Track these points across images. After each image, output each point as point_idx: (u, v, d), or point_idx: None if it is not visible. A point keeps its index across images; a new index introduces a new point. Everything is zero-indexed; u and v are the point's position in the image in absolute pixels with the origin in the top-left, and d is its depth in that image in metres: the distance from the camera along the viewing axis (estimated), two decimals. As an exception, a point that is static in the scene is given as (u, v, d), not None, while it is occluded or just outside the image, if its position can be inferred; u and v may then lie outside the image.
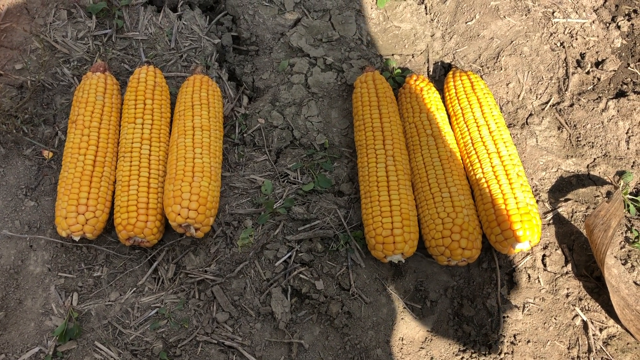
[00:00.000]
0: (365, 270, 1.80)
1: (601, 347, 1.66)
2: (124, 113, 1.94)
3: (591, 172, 1.96)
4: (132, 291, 1.76)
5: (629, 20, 2.21)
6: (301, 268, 1.78)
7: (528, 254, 1.82)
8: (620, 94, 2.08)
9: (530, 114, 2.08)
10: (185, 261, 1.81)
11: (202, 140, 1.84)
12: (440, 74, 2.24)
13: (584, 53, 2.16)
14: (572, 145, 2.01)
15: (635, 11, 2.22)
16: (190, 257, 1.81)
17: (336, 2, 2.31)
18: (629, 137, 1.98)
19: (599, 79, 2.12)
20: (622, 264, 1.76)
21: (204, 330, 1.70)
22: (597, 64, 2.15)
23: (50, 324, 1.70)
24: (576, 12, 2.23)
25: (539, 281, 1.77)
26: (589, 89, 2.11)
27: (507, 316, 1.72)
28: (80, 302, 1.74)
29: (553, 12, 2.23)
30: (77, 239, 1.75)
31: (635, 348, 1.65)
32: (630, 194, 1.89)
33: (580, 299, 1.73)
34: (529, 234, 1.69)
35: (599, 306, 1.71)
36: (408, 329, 1.75)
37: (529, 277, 1.78)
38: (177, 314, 1.72)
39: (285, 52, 2.24)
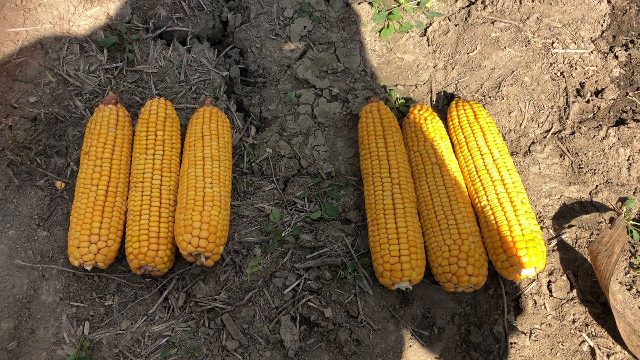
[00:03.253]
0: (373, 298, 1.82)
1: (609, 373, 1.67)
2: (136, 144, 1.99)
3: (594, 199, 1.99)
4: (142, 320, 1.78)
5: (626, 50, 2.27)
6: (310, 296, 1.80)
7: (534, 280, 1.84)
8: (620, 122, 2.12)
9: (533, 142, 2.13)
10: (195, 289, 1.83)
11: (212, 170, 1.88)
12: (443, 104, 2.30)
13: (584, 82, 2.22)
14: (575, 172, 2.05)
15: (632, 41, 2.28)
16: (200, 286, 1.84)
17: (341, 35, 2.38)
18: (630, 164, 2.02)
19: (599, 108, 2.17)
20: (627, 290, 1.78)
21: (214, 358, 1.71)
22: (597, 92, 2.20)
23: (62, 353, 1.72)
24: (575, 43, 2.29)
25: (545, 307, 1.79)
26: (589, 117, 2.16)
27: (515, 342, 1.74)
28: (92, 331, 1.76)
29: (552, 43, 2.29)
30: (89, 268, 1.77)
31: (643, 374, 1.66)
32: (633, 220, 1.92)
33: (587, 325, 1.74)
34: (534, 260, 1.72)
35: (606, 332, 1.73)
36: (416, 356, 1.76)
37: (535, 303, 1.80)
38: (188, 342, 1.73)
39: (292, 84, 2.30)
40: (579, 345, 1.72)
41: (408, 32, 2.41)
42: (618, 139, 2.06)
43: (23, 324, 1.77)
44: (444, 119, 2.18)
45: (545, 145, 2.11)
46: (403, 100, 2.27)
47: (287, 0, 2.42)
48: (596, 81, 2.22)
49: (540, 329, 1.75)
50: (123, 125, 2.02)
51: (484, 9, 2.39)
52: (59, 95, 2.15)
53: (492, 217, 1.83)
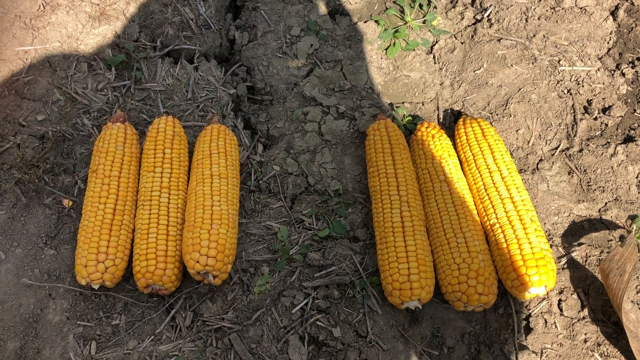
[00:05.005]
0: (382, 317, 1.81)
1: (622, 394, 1.65)
2: (144, 162, 1.99)
3: (603, 217, 1.98)
4: (150, 339, 1.77)
5: (632, 67, 2.27)
6: (318, 315, 1.78)
7: (544, 298, 1.82)
8: (628, 139, 2.12)
9: (541, 160, 2.12)
10: (203, 309, 1.82)
11: (220, 188, 1.88)
12: (451, 121, 2.30)
13: (591, 100, 2.22)
14: (583, 190, 2.04)
15: (638, 59, 2.29)
16: (207, 305, 1.82)
17: (347, 52, 2.39)
18: (639, 181, 2.01)
19: (606, 125, 2.17)
20: (640, 309, 1.76)
21: (222, 378, 1.69)
22: (604, 110, 2.20)
23: (68, 374, 1.71)
24: (581, 60, 2.29)
25: (555, 326, 1.77)
26: (597, 134, 2.16)
27: (526, 362, 1.72)
28: (99, 350, 1.74)
29: (559, 61, 2.29)
30: (96, 287, 1.76)
31: (657, 394, 1.64)
32: (644, 238, 1.91)
33: (599, 344, 1.72)
34: (545, 278, 1.70)
35: (618, 352, 1.70)
36: (426, 376, 1.74)
37: (546, 322, 1.78)
38: (195, 362, 1.72)
39: (299, 101, 2.30)
40: (592, 365, 1.70)
41: (414, 50, 2.42)
42: (626, 156, 2.05)
43: (29, 344, 1.75)
44: (452, 137, 2.17)
45: (553, 162, 2.10)
46: (410, 118, 2.27)
47: (294, 18, 2.44)
48: (603, 98, 2.22)
49: (552, 349, 1.73)
50: (131, 143, 2.03)
51: (490, 26, 2.40)
52: (67, 113, 2.15)
53: (501, 236, 1.82)
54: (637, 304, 1.77)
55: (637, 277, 1.82)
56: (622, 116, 2.18)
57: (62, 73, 2.25)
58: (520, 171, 2.10)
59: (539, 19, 2.38)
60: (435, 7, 2.48)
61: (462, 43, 2.42)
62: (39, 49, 2.27)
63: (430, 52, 2.44)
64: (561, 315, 1.79)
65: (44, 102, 2.18)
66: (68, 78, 2.24)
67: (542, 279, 1.70)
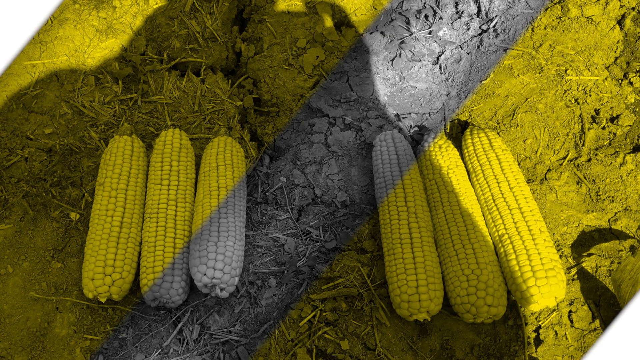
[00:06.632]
0: (390, 329, 1.79)
1: (636, 407, 1.62)
2: (150, 175, 1.99)
3: (613, 227, 1.96)
4: (157, 353, 1.76)
5: (640, 76, 2.26)
6: (326, 328, 1.77)
7: (554, 310, 1.80)
8: (637, 149, 2.10)
9: (549, 170, 2.11)
10: (210, 322, 1.81)
11: (227, 200, 1.88)
12: (457, 132, 2.29)
13: (599, 109, 2.21)
14: (592, 199, 2.02)
15: (646, 67, 2.28)
16: (214, 318, 1.81)
17: (353, 64, 2.39)
18: (649, 191, 1.99)
19: (615, 134, 2.15)
20: (652, 320, 1.73)
21: (230, 392, 1.68)
22: (612, 119, 2.19)
23: (75, 388, 1.70)
24: (588, 70, 2.28)
25: (566, 338, 1.75)
26: (605, 144, 2.14)
27: (537, 375, 1.70)
28: (106, 364, 1.74)
29: (566, 70, 2.28)
30: (103, 300, 1.76)
31: (671, 408, 1.61)
32: (654, 248, 1.89)
33: (611, 357, 1.70)
34: (555, 290, 1.68)
35: (631, 364, 1.68)
36: (436, 390, 1.72)
37: (556, 334, 1.76)
38: (202, 376, 1.71)
39: (305, 113, 2.30)
40: (604, 378, 1.67)
41: (420, 60, 2.41)
42: (636, 165, 2.04)
43: (36, 358, 1.75)
44: (458, 147, 2.17)
45: (561, 172, 2.09)
46: (417, 129, 2.27)
47: (300, 30, 2.44)
48: (611, 107, 2.21)
49: (563, 361, 1.71)
50: (138, 156, 2.03)
51: (496, 37, 2.40)
52: (74, 126, 2.16)
53: (510, 247, 1.80)
54: (649, 315, 1.75)
55: (649, 288, 1.80)
56: (630, 125, 2.17)
57: (69, 86, 2.26)
58: (528, 181, 2.09)
59: (545, 28, 2.37)
60: (441, 18, 2.48)
61: (468, 53, 2.42)
62: (47, 62, 2.28)
63: (437, 63, 2.43)
64: (572, 326, 1.77)
65: (51, 116, 2.19)
66: (75, 91, 2.25)
67: (551, 290, 1.68)
